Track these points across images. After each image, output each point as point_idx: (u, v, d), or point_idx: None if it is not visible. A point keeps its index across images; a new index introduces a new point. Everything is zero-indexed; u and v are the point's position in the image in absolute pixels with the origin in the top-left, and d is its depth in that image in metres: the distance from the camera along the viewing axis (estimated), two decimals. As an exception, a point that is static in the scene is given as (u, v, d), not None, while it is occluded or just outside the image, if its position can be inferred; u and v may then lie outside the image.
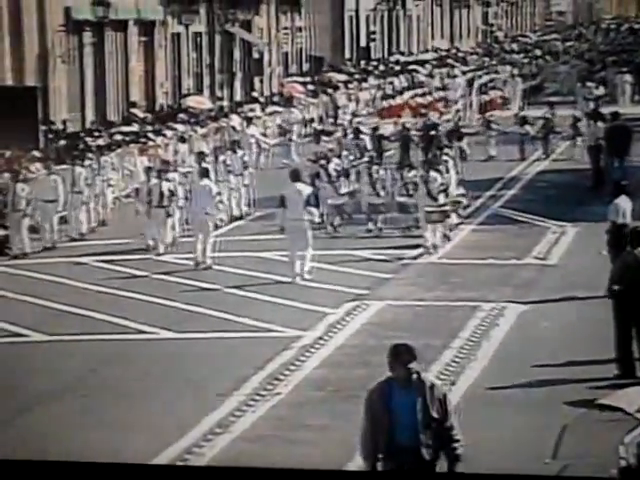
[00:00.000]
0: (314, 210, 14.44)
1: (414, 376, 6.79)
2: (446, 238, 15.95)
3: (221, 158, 18.51)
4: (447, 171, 16.79)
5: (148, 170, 17.22)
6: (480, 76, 32.74)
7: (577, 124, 23.11)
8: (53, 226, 16.67)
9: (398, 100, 29.28)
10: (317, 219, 14.52)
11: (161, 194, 15.87)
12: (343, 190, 17.55)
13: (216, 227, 16.17)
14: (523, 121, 23.78)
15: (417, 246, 15.71)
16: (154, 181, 16.26)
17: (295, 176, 14.60)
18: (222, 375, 10.89)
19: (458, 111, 26.48)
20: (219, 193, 15.79)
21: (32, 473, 4.63)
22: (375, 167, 17.55)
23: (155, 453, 8.92)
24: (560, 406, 9.71)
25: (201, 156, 17.74)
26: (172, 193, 15.96)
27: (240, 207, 18.39)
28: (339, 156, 18.60)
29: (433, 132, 20.50)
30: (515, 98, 30.61)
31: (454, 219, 16.62)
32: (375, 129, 21.74)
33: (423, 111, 27.33)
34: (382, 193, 17.11)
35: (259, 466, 8.28)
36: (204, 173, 15.76)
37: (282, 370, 11.00)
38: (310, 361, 11.30)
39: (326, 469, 7.75)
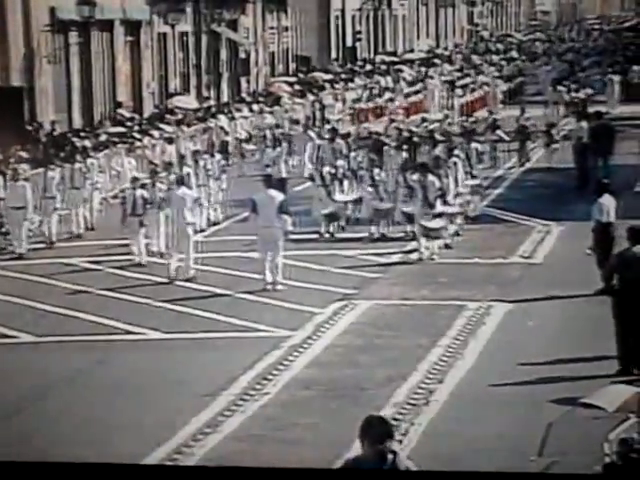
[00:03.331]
0: (287, 217, 14.10)
1: (389, 457, 5.63)
2: (447, 247, 15.61)
3: (201, 163, 18.32)
4: (455, 172, 16.41)
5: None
6: (463, 77, 32.70)
7: (551, 130, 22.48)
8: (22, 233, 16.22)
9: (370, 104, 29.04)
10: (289, 227, 14.10)
11: (134, 202, 15.58)
12: (337, 196, 17.16)
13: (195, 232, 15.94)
14: (495, 126, 22.38)
15: (411, 251, 15.55)
16: (129, 189, 16.01)
17: (268, 182, 14.54)
18: (211, 375, 10.93)
19: (447, 116, 25.89)
20: (197, 200, 15.26)
21: (20, 474, 4.67)
22: (377, 170, 17.15)
23: (145, 453, 8.96)
24: (546, 404, 9.79)
25: (182, 160, 17.48)
26: (146, 201, 15.60)
27: (217, 212, 18.20)
28: (347, 157, 18.40)
29: (415, 138, 20.16)
30: (495, 100, 30.43)
31: (456, 225, 16.14)
32: (348, 134, 20.77)
33: (400, 114, 26.94)
34: (385, 197, 16.77)
35: (249, 465, 8.36)
36: (180, 180, 15.35)
37: (271, 370, 11.05)
38: (298, 361, 11.36)
39: (315, 467, 7.82)
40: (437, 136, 19.70)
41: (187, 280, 14.31)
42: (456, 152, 17.69)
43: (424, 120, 23.55)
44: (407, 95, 30.32)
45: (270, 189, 14.27)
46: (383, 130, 22.00)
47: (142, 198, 15.62)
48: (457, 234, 16.34)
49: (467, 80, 31.96)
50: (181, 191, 14.92)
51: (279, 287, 13.78)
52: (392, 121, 25.03)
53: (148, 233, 15.90)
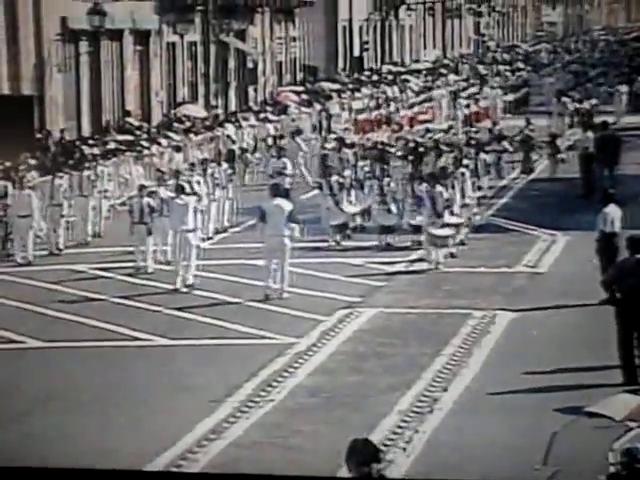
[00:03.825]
0: (295, 226, 14.05)
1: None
2: (452, 256, 15.57)
3: (209, 171, 18.14)
4: (462, 183, 16.36)
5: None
6: (466, 87, 32.74)
7: (555, 141, 22.39)
8: (27, 242, 16.21)
9: (373, 114, 29.00)
10: (297, 234, 14.05)
11: (141, 210, 15.52)
12: (346, 207, 17.13)
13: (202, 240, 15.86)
14: (500, 136, 21.98)
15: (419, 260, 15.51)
16: (136, 197, 15.98)
17: (275, 191, 14.51)
18: (216, 382, 10.96)
19: (451, 127, 25.30)
20: (196, 208, 14.97)
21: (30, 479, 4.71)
22: (387, 179, 17.18)
23: (149, 459, 9.00)
24: (550, 413, 9.80)
25: (177, 174, 17.49)
26: (152, 209, 15.54)
27: (223, 221, 18.14)
28: (354, 166, 18.38)
29: (421, 148, 20.08)
30: (495, 111, 30.34)
31: (462, 234, 16.13)
32: (353, 144, 20.76)
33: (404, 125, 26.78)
34: (393, 208, 16.84)
35: (252, 472, 8.39)
36: (180, 190, 14.93)
37: (275, 377, 11.08)
38: (303, 368, 11.39)
39: (318, 475, 7.84)
40: (442, 147, 19.70)
41: (186, 287, 14.26)
42: (465, 162, 17.66)
43: (428, 130, 23.44)
44: (411, 105, 30.35)
45: (278, 198, 14.30)
46: (387, 140, 21.93)
47: (149, 206, 15.62)
48: (462, 243, 16.36)
49: (472, 90, 31.98)
50: (181, 199, 14.82)
51: (284, 295, 13.78)
52: (395, 131, 25.05)
53: (156, 241, 15.91)
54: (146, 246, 15.58)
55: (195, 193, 16.23)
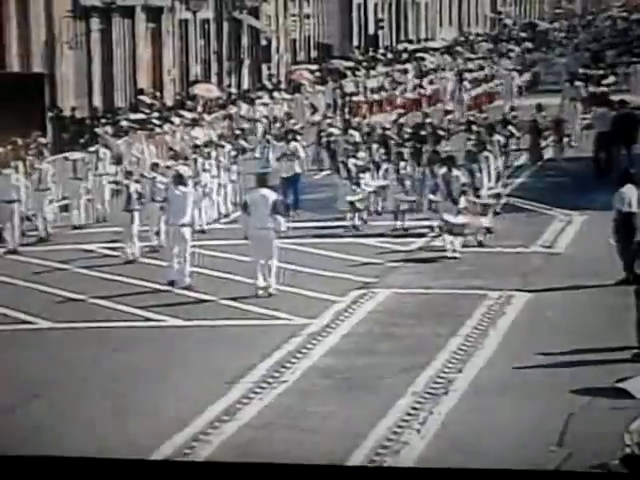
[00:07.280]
0: (280, 218, 13.31)
1: None
2: (480, 245, 15.15)
3: (213, 154, 17.70)
4: (487, 167, 16.14)
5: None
6: (482, 67, 32.33)
7: (562, 126, 21.91)
8: (15, 228, 15.86)
9: (369, 97, 28.56)
10: (283, 227, 13.28)
11: (129, 196, 14.97)
12: (369, 181, 17.00)
13: (202, 232, 15.59)
14: (506, 121, 20.95)
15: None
16: (125, 182, 15.53)
17: (262, 181, 13.81)
18: (229, 363, 10.91)
19: (449, 111, 24.76)
20: (196, 201, 14.56)
21: (40, 468, 4.66)
22: (403, 163, 17.10)
23: (162, 441, 8.95)
24: (566, 394, 9.71)
25: (176, 156, 17.15)
26: (140, 195, 15.02)
27: (227, 204, 17.78)
28: (369, 148, 18.26)
29: (422, 132, 19.78)
30: (510, 92, 29.78)
31: (486, 222, 15.61)
32: (357, 127, 20.32)
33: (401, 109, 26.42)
34: (410, 190, 16.73)
35: (265, 453, 8.33)
36: (179, 180, 14.02)
37: (289, 358, 11.01)
38: (317, 349, 11.32)
39: (328, 461, 7.77)
40: (440, 132, 19.51)
41: (184, 289, 13.46)
42: (489, 147, 17.45)
43: (427, 115, 22.72)
44: (415, 87, 30.02)
45: (264, 188, 13.52)
46: (389, 124, 21.57)
47: (137, 192, 15.05)
48: (489, 231, 15.75)
49: (486, 71, 31.64)
50: (179, 191, 13.93)
51: (272, 291, 13.03)
52: (400, 115, 24.78)
53: (152, 227, 15.46)
54: (130, 234, 14.98)
55: (195, 178, 15.91)
